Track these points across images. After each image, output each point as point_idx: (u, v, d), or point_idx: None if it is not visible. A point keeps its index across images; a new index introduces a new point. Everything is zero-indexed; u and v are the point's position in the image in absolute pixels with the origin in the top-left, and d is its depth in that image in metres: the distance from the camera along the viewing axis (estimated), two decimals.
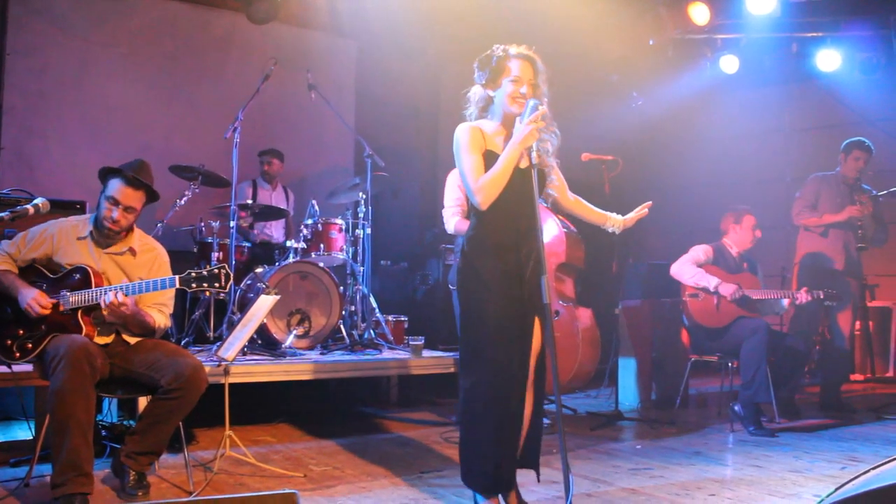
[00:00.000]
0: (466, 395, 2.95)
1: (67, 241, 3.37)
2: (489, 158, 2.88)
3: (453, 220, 4.67)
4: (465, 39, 7.09)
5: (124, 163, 3.45)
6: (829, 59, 6.60)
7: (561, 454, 2.68)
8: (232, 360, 3.78)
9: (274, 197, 6.50)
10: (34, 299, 3.19)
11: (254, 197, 6.33)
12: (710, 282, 5.05)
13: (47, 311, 3.21)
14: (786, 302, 5.11)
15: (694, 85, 7.36)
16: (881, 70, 6.46)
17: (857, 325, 7.05)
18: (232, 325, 4.68)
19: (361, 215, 5.57)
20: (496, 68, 2.94)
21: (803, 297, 5.03)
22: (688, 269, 5.15)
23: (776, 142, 7.21)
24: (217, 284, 3.23)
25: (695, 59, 7.16)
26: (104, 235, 3.40)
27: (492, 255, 2.92)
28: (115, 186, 3.35)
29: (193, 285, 3.24)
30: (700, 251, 5.21)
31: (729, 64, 6.95)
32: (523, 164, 2.87)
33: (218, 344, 4.50)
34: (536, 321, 3.00)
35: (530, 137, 2.79)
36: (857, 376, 7.12)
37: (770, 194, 6.17)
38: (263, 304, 3.89)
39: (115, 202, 3.34)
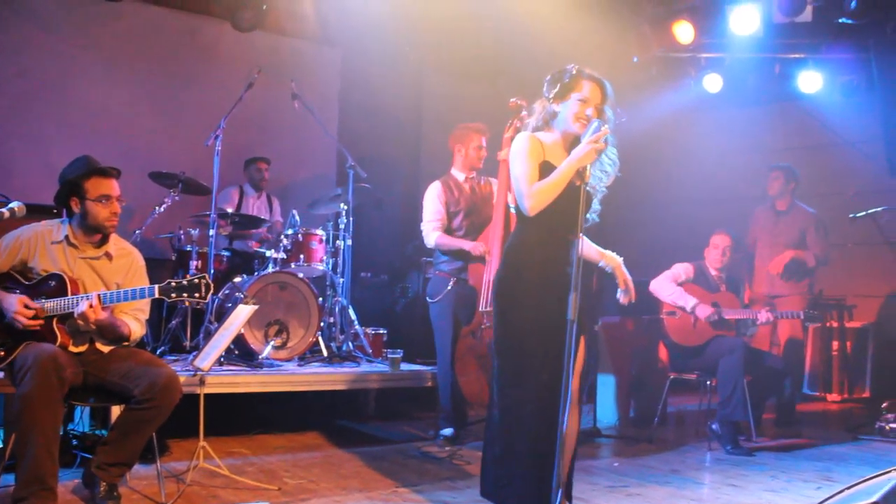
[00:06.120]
0: (507, 412, 2.94)
1: (42, 246, 3.33)
2: (546, 169, 2.93)
3: (434, 234, 4.74)
4: (448, 49, 7.20)
5: (69, 166, 3.41)
6: (810, 81, 6.69)
7: (555, 474, 2.66)
8: (208, 370, 3.76)
9: (258, 205, 6.51)
10: (19, 312, 3.14)
11: (239, 203, 6.33)
12: (688, 302, 5.11)
13: (36, 325, 3.17)
14: (757, 322, 5.19)
15: (678, 103, 7.40)
16: (861, 93, 6.57)
17: (835, 345, 7.15)
18: (209, 335, 4.65)
19: (342, 226, 5.58)
20: (567, 85, 3.00)
21: (764, 316, 5.10)
22: (667, 287, 5.21)
23: (758, 161, 7.29)
24: (197, 294, 3.22)
25: (679, 77, 7.23)
26: (87, 239, 3.37)
27: (538, 266, 2.95)
28: (98, 184, 3.33)
29: (173, 295, 3.22)
30: (681, 269, 5.26)
31: (712, 83, 7.01)
32: (577, 182, 2.88)
33: (194, 353, 4.48)
34: (582, 339, 3.03)
35: (587, 157, 2.83)
36: (834, 396, 7.20)
37: (752, 212, 6.25)
38: (241, 314, 3.88)
39: (108, 197, 3.33)
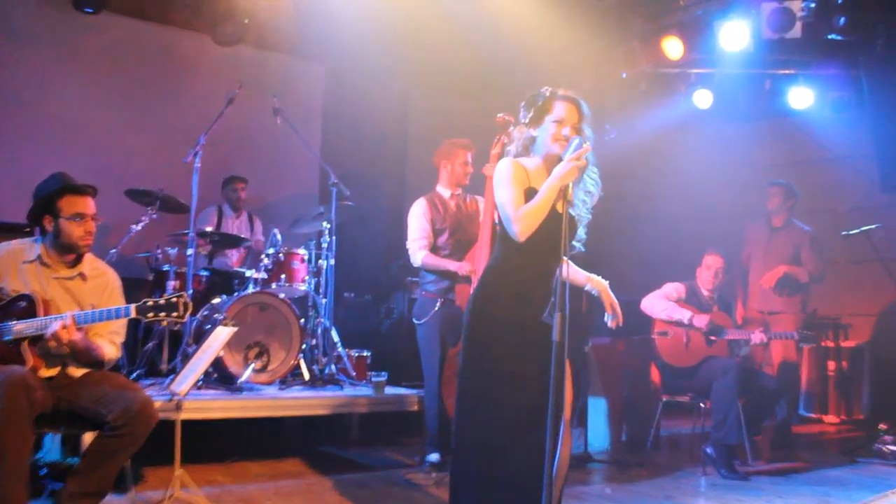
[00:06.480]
0: (476, 435, 2.94)
1: (13, 265, 3.28)
2: (531, 196, 2.93)
3: (420, 253, 4.73)
4: (434, 65, 7.19)
5: (43, 183, 3.38)
6: (801, 97, 6.75)
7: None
8: (185, 394, 3.72)
9: (238, 224, 6.48)
10: None
11: (219, 223, 6.30)
12: (684, 315, 5.13)
13: None
14: (750, 343, 5.21)
15: (667, 119, 7.43)
16: (852, 109, 6.64)
17: (832, 365, 7.17)
18: (186, 358, 4.64)
19: (325, 245, 5.57)
20: (541, 108, 3.03)
21: (757, 337, 5.12)
22: (659, 303, 5.24)
23: (749, 177, 7.36)
24: (175, 314, 3.19)
25: (668, 93, 7.27)
26: (60, 259, 3.33)
27: (518, 288, 2.96)
28: (72, 202, 3.30)
29: (150, 314, 3.18)
30: (672, 288, 5.29)
31: (702, 99, 7.06)
32: (559, 207, 2.87)
33: (171, 377, 4.46)
34: (569, 366, 2.98)
35: (570, 175, 2.84)
36: (830, 417, 7.20)
37: (744, 228, 6.29)
38: (220, 336, 3.87)
39: (82, 215, 3.30)
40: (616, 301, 3.17)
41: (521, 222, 2.88)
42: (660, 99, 7.33)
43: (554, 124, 2.99)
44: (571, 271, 3.14)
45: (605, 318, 3.18)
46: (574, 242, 3.07)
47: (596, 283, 3.19)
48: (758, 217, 6.20)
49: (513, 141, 3.15)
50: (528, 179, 2.99)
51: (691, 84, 7.13)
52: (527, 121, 3.07)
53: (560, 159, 2.92)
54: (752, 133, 7.86)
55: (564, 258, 2.69)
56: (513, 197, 2.93)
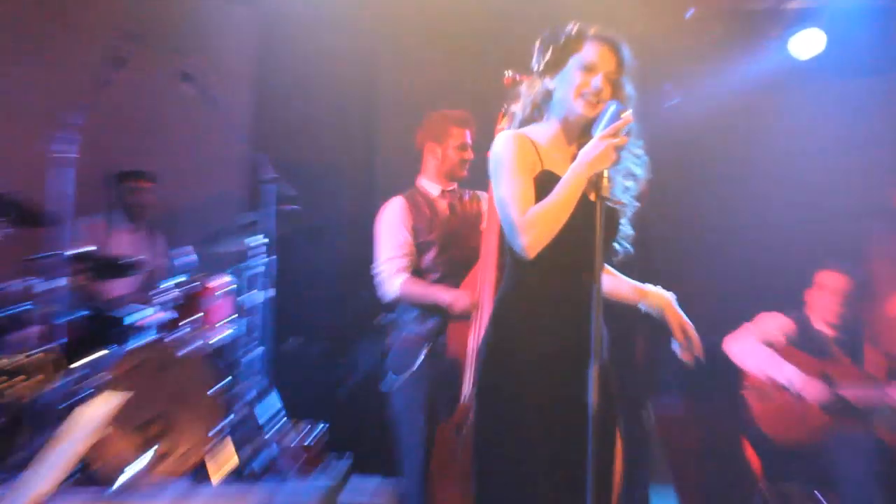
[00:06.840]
0: None
1: None
2: (545, 182, 2.93)
3: (397, 279, 4.70)
4: (413, 8, 7.19)
5: None
6: None
7: None
8: (41, 501, 3.63)
9: (133, 242, 6.49)
10: None
11: (104, 241, 6.28)
12: (788, 375, 5.06)
13: None
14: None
15: (754, 76, 7.45)
16: None
17: None
18: (44, 445, 4.37)
19: (259, 270, 5.62)
20: (563, 48, 3.05)
21: None
22: (753, 350, 5.18)
23: (879, 157, 7.27)
24: (35, 378, 3.31)
25: (755, 39, 7.30)
26: None
27: (542, 325, 2.98)
28: None
29: None
30: (773, 325, 5.24)
31: (805, 45, 7.04)
32: (591, 195, 2.87)
33: (19, 477, 4.23)
34: (617, 434, 3.09)
35: (604, 158, 2.81)
36: None
37: (870, 235, 6.21)
38: (97, 411, 3.89)
39: None
40: (688, 322, 3.16)
41: (531, 232, 2.87)
42: (742, 48, 7.35)
43: (580, 72, 2.98)
44: (615, 283, 3.24)
45: (674, 348, 3.16)
46: (618, 243, 3.11)
47: (654, 298, 3.20)
48: (886, 217, 6.05)
49: (519, 99, 3.14)
50: (541, 159, 2.99)
51: (788, 25, 7.10)
52: (541, 67, 3.07)
53: (587, 126, 2.96)
54: (878, 94, 7.78)
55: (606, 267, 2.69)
56: (517, 193, 2.92)
